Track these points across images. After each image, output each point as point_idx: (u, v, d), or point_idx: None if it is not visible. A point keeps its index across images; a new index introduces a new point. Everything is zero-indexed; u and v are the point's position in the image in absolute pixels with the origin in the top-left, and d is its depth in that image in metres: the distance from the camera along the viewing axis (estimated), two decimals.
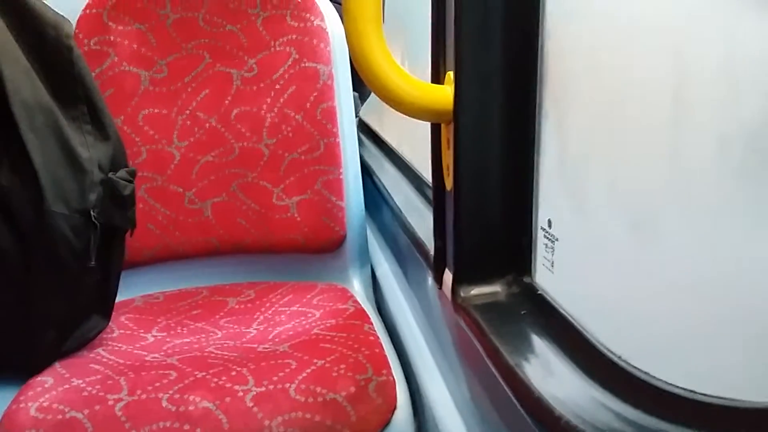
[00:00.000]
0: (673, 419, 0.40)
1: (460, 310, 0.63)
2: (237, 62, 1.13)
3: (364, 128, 1.73)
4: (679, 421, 0.40)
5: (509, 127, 0.62)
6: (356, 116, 1.53)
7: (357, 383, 0.79)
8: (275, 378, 0.79)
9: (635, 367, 0.44)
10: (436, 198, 0.72)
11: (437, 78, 0.70)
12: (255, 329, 0.97)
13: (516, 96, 0.62)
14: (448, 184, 0.68)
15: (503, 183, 0.63)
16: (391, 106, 0.66)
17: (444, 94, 0.65)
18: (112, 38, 1.10)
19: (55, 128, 0.85)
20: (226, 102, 1.13)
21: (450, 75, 0.65)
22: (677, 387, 0.40)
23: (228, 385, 0.78)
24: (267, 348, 0.89)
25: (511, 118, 0.62)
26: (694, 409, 0.39)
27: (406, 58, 1.27)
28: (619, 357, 0.46)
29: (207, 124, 1.13)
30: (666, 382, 0.41)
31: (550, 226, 0.58)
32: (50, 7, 0.91)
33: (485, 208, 0.64)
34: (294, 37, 1.12)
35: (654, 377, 0.42)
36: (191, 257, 1.15)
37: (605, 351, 0.47)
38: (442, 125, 0.69)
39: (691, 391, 0.39)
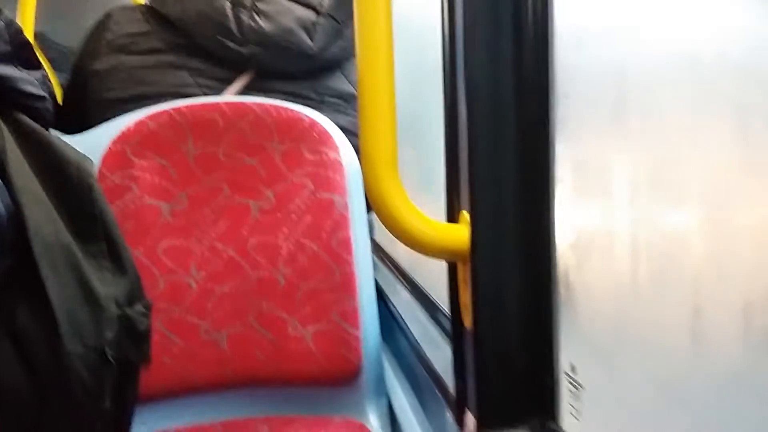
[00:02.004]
0: None
1: None
2: (255, 193, 1.16)
3: (377, 250, 1.75)
4: None
5: (527, 265, 0.63)
6: (370, 238, 1.54)
7: None
8: None
9: None
10: (455, 336, 0.71)
11: (452, 217, 0.71)
12: None
13: (533, 236, 0.62)
14: (467, 321, 0.67)
15: (524, 323, 0.63)
16: (408, 246, 0.67)
17: (460, 234, 0.66)
18: (135, 173, 1.14)
19: (74, 266, 0.86)
20: (244, 232, 1.15)
21: (465, 214, 0.67)
22: None
23: None
24: None
25: (529, 255, 0.63)
26: None
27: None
28: None
29: (224, 254, 1.14)
30: None
31: (573, 371, 0.56)
32: (72, 146, 0.94)
33: (507, 350, 0.63)
34: (310, 169, 1.15)
35: None
36: (205, 390, 1.12)
37: None
38: (459, 264, 0.70)
39: None
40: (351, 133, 1.25)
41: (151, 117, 1.15)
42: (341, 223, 1.13)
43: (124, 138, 1.14)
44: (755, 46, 0.34)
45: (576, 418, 0.56)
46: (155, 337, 1.05)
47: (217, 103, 1.18)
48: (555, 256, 0.60)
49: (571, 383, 0.57)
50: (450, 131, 0.68)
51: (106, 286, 0.90)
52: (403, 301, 1.25)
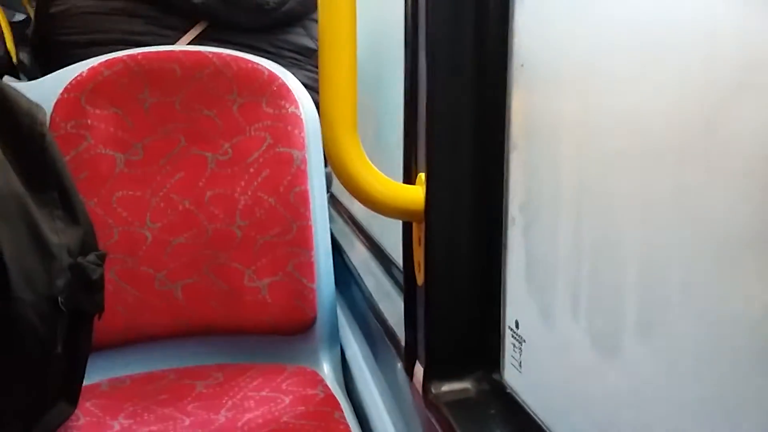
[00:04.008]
0: None
1: (432, 407, 0.64)
2: (212, 146, 1.16)
3: (334, 203, 1.76)
4: None
5: (478, 229, 0.65)
6: (328, 192, 1.56)
7: None
8: None
9: None
10: (408, 292, 0.74)
11: (409, 178, 0.73)
12: (224, 416, 0.96)
13: (485, 198, 0.65)
14: (420, 279, 0.70)
15: (473, 281, 0.66)
16: (365, 205, 0.69)
17: (416, 195, 0.68)
18: (89, 122, 1.12)
19: (25, 215, 0.86)
20: (200, 184, 1.15)
21: (421, 176, 0.69)
22: None
23: None
24: None
25: (481, 219, 0.65)
26: None
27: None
28: None
29: (180, 206, 1.14)
30: None
31: (517, 327, 0.60)
32: (24, 95, 0.92)
33: (456, 305, 0.66)
34: (269, 123, 1.15)
35: None
36: (159, 339, 1.14)
37: None
38: (414, 223, 0.72)
39: None
40: (310, 88, 1.25)
41: (105, 64, 1.12)
42: (299, 177, 1.14)
43: (77, 86, 1.11)
44: (696, 24, 0.37)
45: (518, 369, 0.60)
46: (109, 287, 1.06)
47: (175, 52, 1.16)
48: (506, 219, 0.63)
49: (514, 337, 0.60)
50: (410, 95, 0.69)
51: (58, 235, 0.89)
52: (358, 254, 1.27)
